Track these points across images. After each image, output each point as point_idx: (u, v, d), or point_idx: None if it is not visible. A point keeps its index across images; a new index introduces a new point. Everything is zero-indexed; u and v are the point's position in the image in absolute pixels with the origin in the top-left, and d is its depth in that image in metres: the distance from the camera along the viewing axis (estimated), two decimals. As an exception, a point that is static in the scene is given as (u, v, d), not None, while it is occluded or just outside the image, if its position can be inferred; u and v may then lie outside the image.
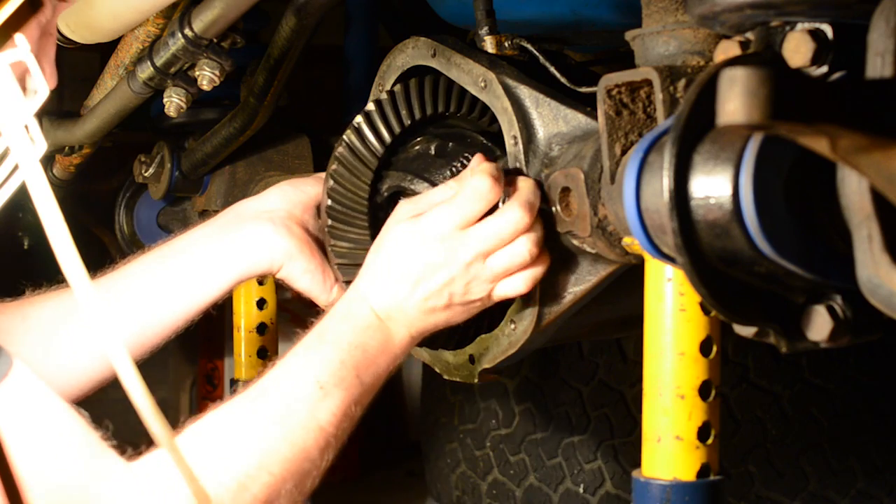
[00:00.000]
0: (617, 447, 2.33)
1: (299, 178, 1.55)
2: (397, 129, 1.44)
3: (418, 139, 1.46)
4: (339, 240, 1.46)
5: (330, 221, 1.46)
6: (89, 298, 0.67)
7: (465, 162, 1.42)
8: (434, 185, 1.41)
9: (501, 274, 1.28)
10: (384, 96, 1.44)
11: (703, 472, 1.14)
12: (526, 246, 1.27)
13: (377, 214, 1.47)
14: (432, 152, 1.45)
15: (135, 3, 1.62)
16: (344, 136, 1.46)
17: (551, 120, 1.28)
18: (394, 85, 1.46)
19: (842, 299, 0.90)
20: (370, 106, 1.45)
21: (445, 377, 1.46)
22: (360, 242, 1.46)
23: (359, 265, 1.45)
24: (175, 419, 1.19)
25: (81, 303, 0.68)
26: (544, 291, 1.28)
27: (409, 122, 1.44)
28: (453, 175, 1.41)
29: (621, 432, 2.33)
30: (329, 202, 1.45)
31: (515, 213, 1.27)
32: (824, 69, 0.87)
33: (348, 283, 1.43)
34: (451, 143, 1.44)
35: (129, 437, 1.16)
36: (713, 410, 1.15)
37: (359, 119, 1.45)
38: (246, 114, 1.89)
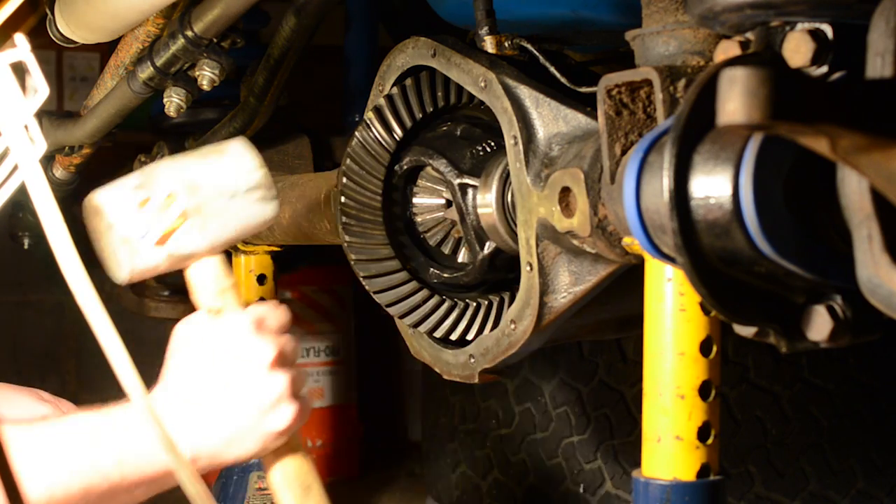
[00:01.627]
0: (617, 447, 2.33)
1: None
2: (409, 123, 1.45)
3: (447, 121, 1.47)
4: (354, 236, 1.47)
5: (344, 218, 1.47)
6: (89, 298, 0.68)
7: (486, 147, 1.42)
8: (453, 163, 1.41)
9: None
10: (395, 91, 1.45)
11: (703, 472, 1.14)
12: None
13: (392, 196, 1.47)
14: (458, 133, 1.46)
15: (135, 3, 1.62)
16: (356, 133, 1.47)
17: (551, 120, 1.28)
18: (393, 86, 1.47)
19: (842, 299, 0.90)
20: (381, 101, 1.45)
21: (445, 377, 1.46)
22: (374, 237, 1.47)
23: (374, 260, 1.47)
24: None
25: (81, 302, 0.68)
26: (544, 291, 1.28)
27: (420, 115, 1.45)
28: (472, 157, 1.42)
29: (621, 432, 2.33)
30: (343, 199, 1.45)
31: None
32: (824, 69, 0.87)
33: (365, 278, 1.45)
34: (477, 129, 1.45)
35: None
36: (713, 410, 1.15)
37: (370, 115, 1.46)
38: (246, 114, 1.89)
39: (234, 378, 1.17)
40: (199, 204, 1.19)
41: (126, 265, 1.17)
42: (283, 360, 1.19)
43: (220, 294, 1.21)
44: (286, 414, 1.19)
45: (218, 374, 1.18)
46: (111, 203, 1.17)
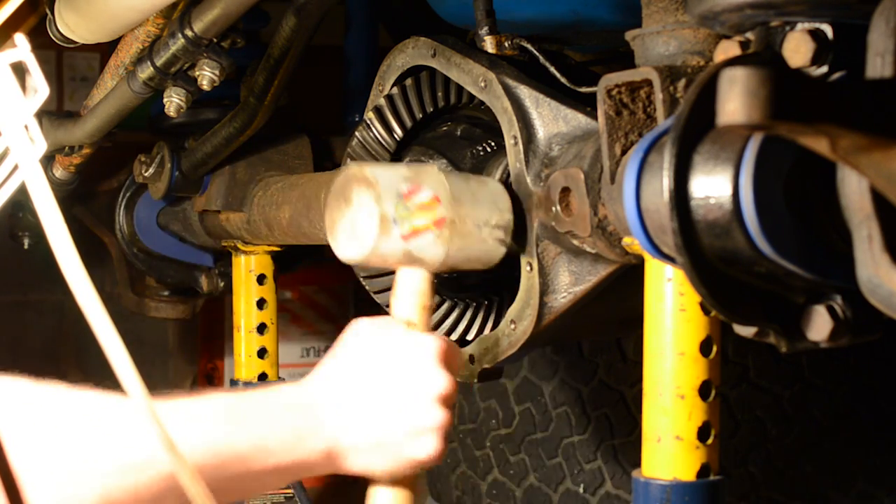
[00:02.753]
0: (617, 447, 2.33)
1: None
2: (409, 123, 1.45)
3: (447, 121, 1.47)
4: None
5: None
6: (89, 298, 0.67)
7: (486, 147, 1.43)
8: (454, 163, 1.41)
9: None
10: (395, 91, 1.45)
11: (703, 472, 1.14)
12: None
13: None
14: (458, 133, 1.46)
15: (135, 3, 1.62)
16: (356, 133, 1.47)
17: (551, 120, 1.28)
18: (393, 86, 1.47)
19: (842, 299, 0.90)
20: (381, 101, 1.46)
21: (445, 377, 1.46)
22: None
23: None
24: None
25: (81, 302, 0.68)
26: (544, 291, 1.28)
27: (420, 115, 1.45)
28: (473, 157, 1.42)
29: (621, 432, 2.33)
30: None
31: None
32: (824, 69, 0.88)
33: (365, 277, 1.44)
34: (478, 129, 1.45)
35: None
36: (713, 410, 1.15)
37: (370, 115, 1.46)
38: (246, 114, 1.89)
39: (402, 393, 1.15)
40: (455, 219, 1.23)
41: (374, 242, 1.19)
42: (448, 399, 1.17)
43: (420, 310, 1.21)
44: (431, 446, 1.15)
45: (387, 382, 1.15)
46: (384, 180, 1.20)
